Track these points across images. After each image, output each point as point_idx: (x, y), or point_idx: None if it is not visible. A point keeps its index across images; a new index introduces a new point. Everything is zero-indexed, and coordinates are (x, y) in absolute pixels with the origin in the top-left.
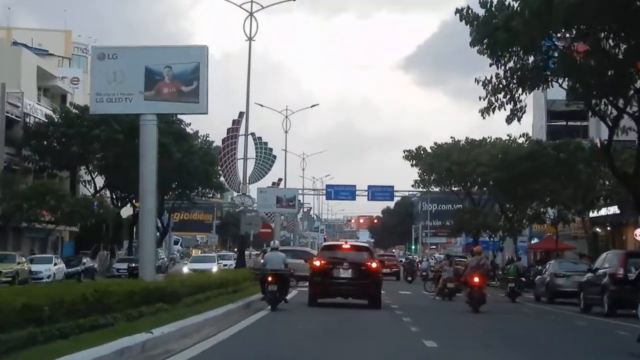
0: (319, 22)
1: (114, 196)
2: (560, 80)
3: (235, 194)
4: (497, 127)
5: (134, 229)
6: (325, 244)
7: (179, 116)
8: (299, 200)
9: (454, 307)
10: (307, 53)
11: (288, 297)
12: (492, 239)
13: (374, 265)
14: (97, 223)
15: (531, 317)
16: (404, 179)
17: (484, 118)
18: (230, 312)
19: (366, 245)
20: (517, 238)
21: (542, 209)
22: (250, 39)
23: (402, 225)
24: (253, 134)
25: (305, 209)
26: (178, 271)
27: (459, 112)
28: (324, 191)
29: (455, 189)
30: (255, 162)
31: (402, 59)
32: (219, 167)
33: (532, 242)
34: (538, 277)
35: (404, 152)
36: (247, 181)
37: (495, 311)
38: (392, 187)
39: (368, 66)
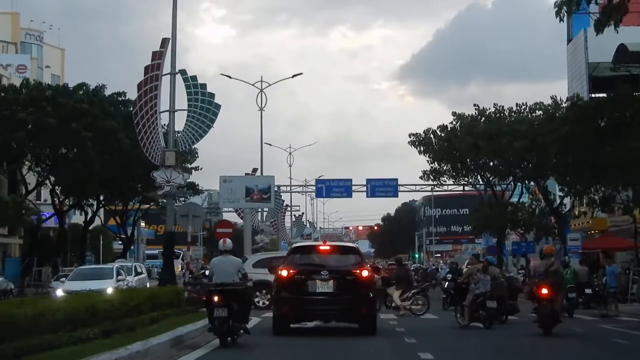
0: (314, 35)
1: (56, 199)
2: None
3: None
4: None
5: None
6: (295, 245)
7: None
8: (279, 195)
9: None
10: (303, 65)
11: (250, 324)
12: (524, 239)
13: (364, 273)
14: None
15: None
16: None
17: (561, 20)
18: None
19: (353, 246)
20: (566, 236)
21: (614, 192)
22: None
23: (404, 232)
24: (184, 72)
25: (297, 214)
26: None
27: None
28: (314, 187)
29: (472, 180)
30: (189, 115)
31: (397, 69)
32: (137, 133)
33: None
34: None
35: (409, 135)
36: (179, 146)
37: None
38: (396, 180)
39: (364, 77)
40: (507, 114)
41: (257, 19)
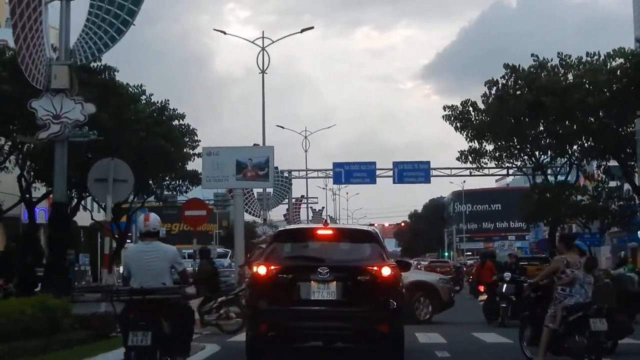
0: (338, 35)
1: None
2: None
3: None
4: None
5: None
6: (282, 229)
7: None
8: (286, 177)
9: None
10: (328, 66)
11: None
12: (587, 231)
13: (385, 271)
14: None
15: None
16: (438, 186)
17: None
18: None
19: (368, 229)
20: None
21: None
22: None
23: (432, 230)
24: None
25: (317, 208)
26: None
27: None
28: (332, 172)
29: (518, 162)
30: (93, 6)
31: (422, 68)
32: (15, 41)
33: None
34: None
35: (444, 109)
36: (75, 57)
37: None
38: (428, 163)
39: (388, 77)
40: (575, 64)
41: (281, 20)
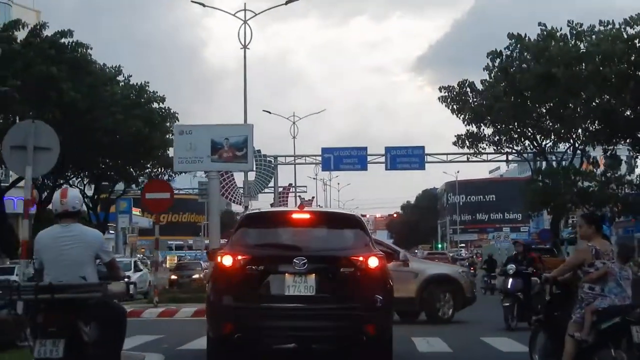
0: (333, 26)
1: None
2: None
3: None
4: None
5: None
6: (251, 212)
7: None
8: (268, 161)
9: None
10: (321, 56)
11: None
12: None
13: (372, 262)
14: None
15: None
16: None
17: None
18: None
19: (351, 214)
20: None
21: None
22: None
23: (426, 221)
24: None
25: (307, 198)
26: None
27: None
28: (320, 158)
29: (518, 147)
30: None
31: (415, 60)
32: None
33: None
34: None
35: (440, 90)
36: None
37: None
38: (422, 148)
39: (382, 68)
40: (588, 33)
41: (275, 10)
